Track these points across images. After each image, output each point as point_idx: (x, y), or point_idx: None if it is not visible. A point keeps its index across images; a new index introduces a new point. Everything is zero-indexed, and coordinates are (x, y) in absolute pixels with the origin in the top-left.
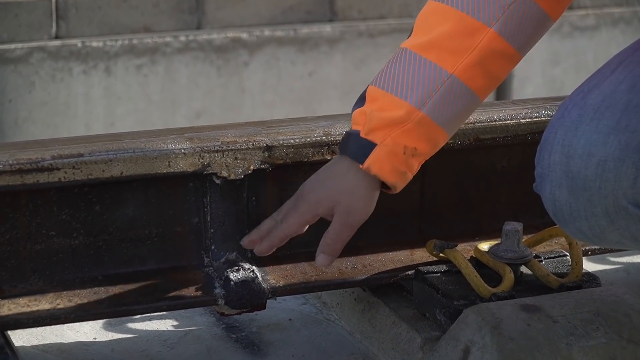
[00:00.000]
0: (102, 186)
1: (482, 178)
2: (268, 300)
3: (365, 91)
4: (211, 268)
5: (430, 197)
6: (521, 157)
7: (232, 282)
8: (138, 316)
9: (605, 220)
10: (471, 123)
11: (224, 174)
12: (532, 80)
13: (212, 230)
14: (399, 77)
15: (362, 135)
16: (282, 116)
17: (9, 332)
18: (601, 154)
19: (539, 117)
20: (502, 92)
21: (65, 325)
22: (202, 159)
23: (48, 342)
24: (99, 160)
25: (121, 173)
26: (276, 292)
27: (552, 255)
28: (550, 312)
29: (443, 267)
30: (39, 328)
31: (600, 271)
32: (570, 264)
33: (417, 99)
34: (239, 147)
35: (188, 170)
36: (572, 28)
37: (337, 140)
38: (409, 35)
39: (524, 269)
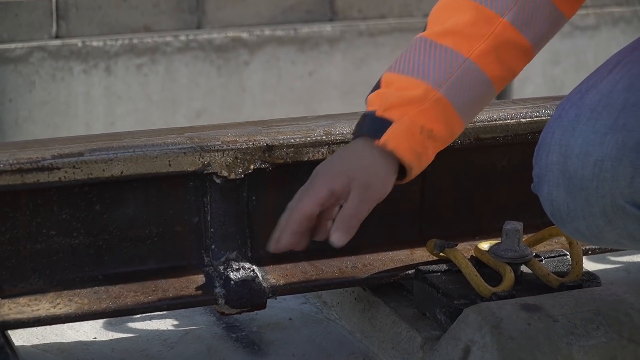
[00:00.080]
0: (103, 186)
1: (482, 177)
2: (268, 300)
3: (379, 79)
4: (211, 267)
5: (431, 196)
6: (521, 156)
7: (232, 282)
8: (138, 315)
9: (603, 220)
10: (471, 122)
11: (224, 173)
12: (533, 80)
13: (212, 230)
14: (415, 61)
15: (378, 114)
16: (282, 116)
17: (9, 332)
18: (598, 153)
19: (539, 117)
20: (502, 92)
21: (66, 324)
22: (203, 158)
23: (48, 342)
24: (99, 160)
25: (121, 172)
26: (276, 291)
27: (553, 255)
28: (550, 312)
29: (443, 267)
30: (39, 327)
31: (601, 270)
32: (570, 263)
33: (434, 80)
34: (239, 146)
35: (188, 169)
36: (572, 27)
37: (337, 140)
38: (424, 30)
39: (524, 269)
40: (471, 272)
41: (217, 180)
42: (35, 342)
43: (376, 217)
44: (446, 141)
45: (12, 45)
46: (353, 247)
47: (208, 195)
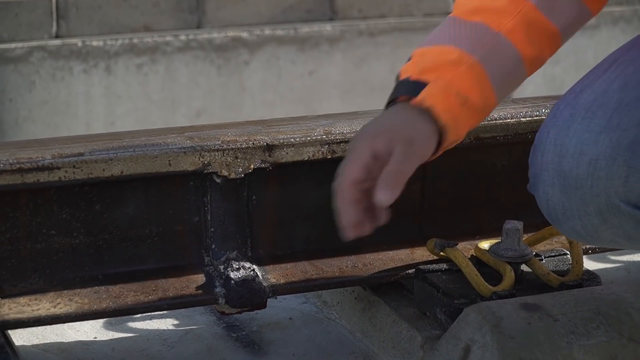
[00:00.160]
0: (103, 185)
1: (482, 177)
2: (268, 299)
3: (410, 56)
4: (211, 267)
5: (431, 195)
6: (521, 155)
7: (232, 281)
8: (138, 315)
9: (598, 219)
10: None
11: (224, 173)
12: (532, 79)
13: (212, 229)
14: (447, 34)
15: (412, 78)
16: (282, 115)
17: (10, 332)
18: (592, 152)
19: (539, 116)
20: None
21: (66, 324)
22: (203, 158)
23: (48, 342)
24: (100, 160)
25: (121, 172)
26: (277, 290)
27: (553, 254)
28: (550, 311)
29: (443, 266)
30: (39, 327)
31: (601, 270)
32: (570, 262)
33: (468, 47)
34: (239, 146)
35: (188, 169)
36: None
37: (337, 139)
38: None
39: (524, 268)
40: (471, 272)
41: (217, 180)
42: (36, 341)
43: None
44: (479, 114)
45: (12, 45)
46: (353, 247)
47: (208, 194)
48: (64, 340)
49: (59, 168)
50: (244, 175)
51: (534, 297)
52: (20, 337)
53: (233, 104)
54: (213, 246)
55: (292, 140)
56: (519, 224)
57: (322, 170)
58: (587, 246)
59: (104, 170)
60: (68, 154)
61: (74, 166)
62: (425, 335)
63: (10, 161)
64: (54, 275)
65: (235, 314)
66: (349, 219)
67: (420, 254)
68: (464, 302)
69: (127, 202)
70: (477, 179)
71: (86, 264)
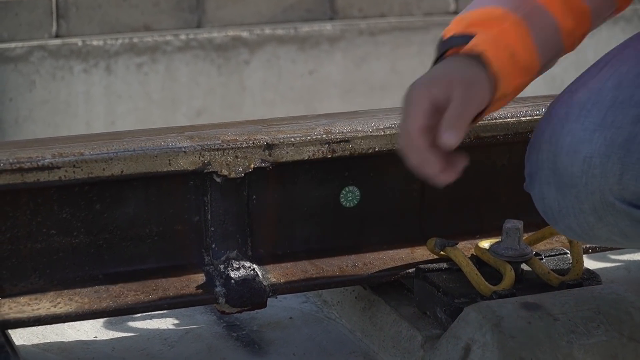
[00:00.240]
0: (103, 185)
1: (482, 176)
2: (269, 299)
3: (450, 25)
4: (212, 266)
5: (431, 194)
6: (522, 155)
7: (232, 281)
8: (139, 315)
9: (594, 217)
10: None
11: (225, 172)
12: None
13: (212, 229)
14: (484, 1)
15: (458, 33)
16: (282, 114)
17: (10, 331)
18: (587, 150)
19: (539, 115)
20: None
21: (66, 323)
22: (203, 157)
23: (49, 341)
24: (100, 159)
25: (121, 172)
26: (277, 290)
27: (553, 253)
28: (551, 310)
29: (444, 265)
30: (39, 327)
31: (601, 269)
32: (570, 261)
33: (511, 6)
34: (239, 145)
35: (188, 168)
36: None
37: (337, 139)
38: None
39: (524, 267)
40: (472, 271)
41: (218, 179)
42: (36, 341)
43: (376, 216)
44: (524, 74)
45: (12, 45)
46: (353, 246)
47: (208, 194)
48: (64, 340)
49: (59, 167)
50: (244, 174)
51: (534, 297)
52: (20, 337)
53: (233, 103)
54: (213, 245)
55: (293, 139)
56: (519, 223)
57: (322, 169)
58: (587, 245)
59: (104, 169)
60: (68, 153)
61: (74, 166)
62: (425, 335)
63: (11, 161)
64: (54, 275)
65: (235, 313)
66: (433, 165)
67: (421, 253)
68: (464, 301)
69: (127, 201)
70: (477, 178)
71: (86, 263)
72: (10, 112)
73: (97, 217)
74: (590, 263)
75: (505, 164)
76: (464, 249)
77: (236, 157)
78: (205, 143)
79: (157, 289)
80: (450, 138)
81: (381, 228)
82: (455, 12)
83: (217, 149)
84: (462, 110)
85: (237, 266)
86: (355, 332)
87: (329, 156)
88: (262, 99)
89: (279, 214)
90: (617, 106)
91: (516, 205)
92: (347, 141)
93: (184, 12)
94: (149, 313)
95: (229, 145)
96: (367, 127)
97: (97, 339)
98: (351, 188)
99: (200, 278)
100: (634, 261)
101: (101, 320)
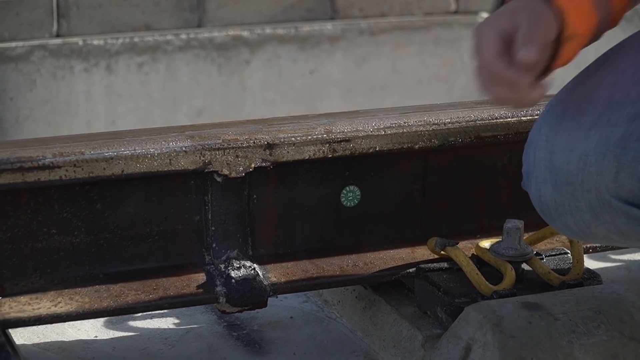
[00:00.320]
0: (103, 184)
1: (483, 176)
2: (269, 298)
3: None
4: (212, 266)
5: (432, 194)
6: (522, 154)
7: (233, 280)
8: (139, 314)
9: (590, 215)
10: (472, 121)
11: (225, 172)
12: None
13: (213, 228)
14: None
15: None
16: (283, 114)
17: (10, 330)
18: (583, 148)
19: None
20: None
21: (67, 323)
22: (203, 157)
23: (49, 340)
24: (100, 158)
25: (122, 171)
26: (277, 289)
27: (553, 253)
28: (551, 310)
29: (444, 265)
30: (40, 326)
31: (602, 269)
32: (571, 261)
33: None
34: (240, 145)
35: (189, 168)
36: None
37: (338, 138)
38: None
39: (525, 267)
40: (472, 271)
41: (218, 179)
42: (36, 340)
43: (377, 216)
44: (587, 17)
45: (13, 44)
46: (354, 246)
47: (209, 193)
48: (65, 339)
49: (59, 167)
50: (245, 174)
51: (535, 296)
52: (21, 336)
53: (234, 102)
54: (214, 245)
55: (293, 139)
56: (519, 223)
57: (322, 169)
58: (588, 245)
59: (104, 169)
60: (69, 152)
61: (74, 165)
62: (426, 334)
63: (11, 160)
64: (55, 274)
65: (236, 312)
66: (517, 87)
67: (421, 252)
68: (465, 301)
69: (128, 201)
70: (478, 178)
71: (87, 262)
72: (11, 111)
73: (97, 217)
74: (590, 263)
75: (506, 163)
76: (464, 249)
77: (237, 156)
78: (206, 142)
79: (157, 288)
80: (527, 52)
81: (382, 228)
82: (456, 12)
83: (218, 149)
84: (532, 30)
85: (238, 265)
86: (356, 331)
87: (330, 156)
88: (262, 99)
89: (280, 214)
90: (613, 104)
91: (517, 204)
92: (347, 141)
93: (185, 12)
94: (150, 312)
95: (230, 144)
96: (368, 126)
97: (97, 338)
98: (352, 187)
99: (201, 277)
100: (635, 261)
101: (102, 320)
